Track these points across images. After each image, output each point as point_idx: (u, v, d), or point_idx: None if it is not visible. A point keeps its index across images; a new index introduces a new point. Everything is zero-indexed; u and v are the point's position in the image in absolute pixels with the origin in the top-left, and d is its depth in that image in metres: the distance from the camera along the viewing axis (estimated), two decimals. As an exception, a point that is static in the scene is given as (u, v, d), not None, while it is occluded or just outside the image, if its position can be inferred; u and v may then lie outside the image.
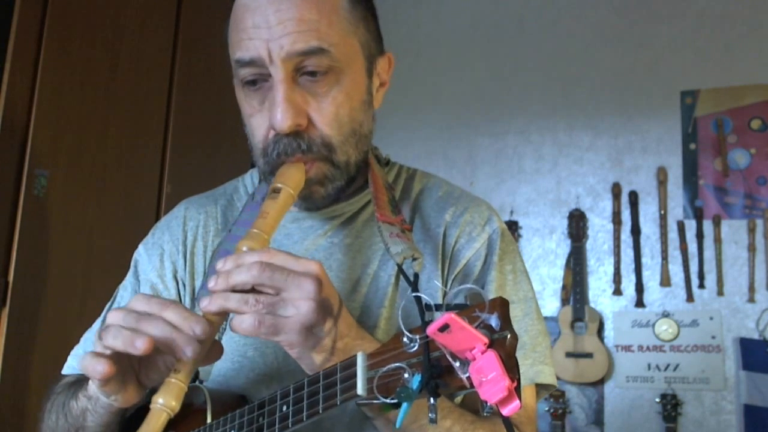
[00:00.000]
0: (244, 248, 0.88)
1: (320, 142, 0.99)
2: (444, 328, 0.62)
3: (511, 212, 3.47)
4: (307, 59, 0.96)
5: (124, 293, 1.21)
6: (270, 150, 0.99)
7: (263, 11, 0.96)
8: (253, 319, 0.80)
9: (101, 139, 2.34)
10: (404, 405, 0.67)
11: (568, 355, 3.23)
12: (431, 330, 0.62)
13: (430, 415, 0.66)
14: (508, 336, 0.65)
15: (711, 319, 3.14)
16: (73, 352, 1.20)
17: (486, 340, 0.63)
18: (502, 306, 0.67)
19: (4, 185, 1.98)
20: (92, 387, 0.89)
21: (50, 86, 2.12)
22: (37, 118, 2.07)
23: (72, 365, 1.19)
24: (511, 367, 0.63)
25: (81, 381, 1.01)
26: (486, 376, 0.61)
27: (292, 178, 0.97)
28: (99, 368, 0.80)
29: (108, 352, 0.82)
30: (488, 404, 0.62)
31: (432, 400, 0.66)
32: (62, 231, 2.15)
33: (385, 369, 0.70)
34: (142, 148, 2.54)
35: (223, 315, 0.85)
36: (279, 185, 0.96)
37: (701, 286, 3.18)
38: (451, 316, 0.61)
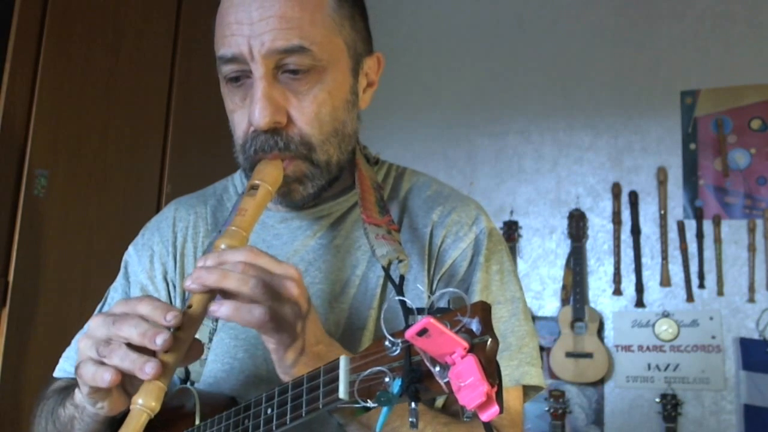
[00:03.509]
0: (223, 246, 0.87)
1: (299, 140, 0.99)
2: (423, 332, 0.62)
3: (511, 212, 3.47)
4: (288, 57, 0.95)
5: (114, 294, 1.20)
6: (248, 146, 0.99)
7: (246, 7, 0.95)
8: (264, 310, 0.80)
9: (101, 139, 2.34)
10: (384, 409, 0.67)
11: (568, 355, 3.23)
12: (410, 334, 0.62)
13: (410, 419, 0.66)
14: (489, 341, 0.64)
15: (711, 319, 3.14)
16: (64, 355, 1.20)
17: (466, 345, 0.63)
18: (483, 310, 0.66)
19: (4, 185, 1.99)
20: (78, 395, 0.89)
21: (50, 86, 2.12)
22: (37, 118, 2.07)
23: (63, 368, 1.19)
24: (491, 372, 0.62)
25: (69, 387, 1.01)
26: (464, 380, 0.61)
27: (269, 175, 0.97)
28: (106, 377, 0.79)
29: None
30: (467, 409, 0.62)
31: (413, 404, 0.66)
32: (62, 231, 2.16)
33: (366, 373, 0.70)
34: (142, 148, 2.54)
35: (204, 309, 0.84)
36: (257, 182, 0.95)
37: (701, 286, 3.18)
38: (429, 320, 0.61)
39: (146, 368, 0.78)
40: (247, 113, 0.98)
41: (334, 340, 0.90)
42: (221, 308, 0.80)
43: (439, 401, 1.02)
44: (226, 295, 0.82)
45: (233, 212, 1.04)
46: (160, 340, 0.78)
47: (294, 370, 0.84)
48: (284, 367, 0.85)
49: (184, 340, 0.82)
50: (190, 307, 0.84)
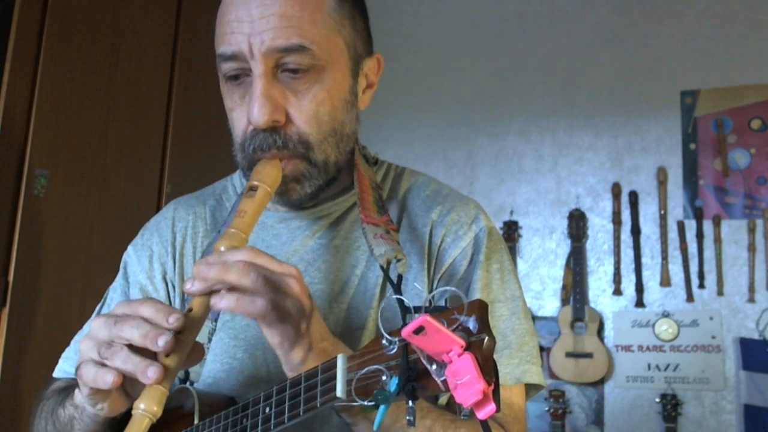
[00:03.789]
0: (222, 248, 0.87)
1: (297, 139, 0.99)
2: (419, 330, 0.62)
3: (511, 212, 3.47)
4: (288, 56, 0.95)
5: (113, 295, 1.20)
6: (247, 145, 0.99)
7: (247, 5, 0.95)
8: (266, 301, 0.80)
9: (101, 139, 2.35)
10: (382, 407, 0.67)
11: (568, 355, 3.23)
12: (406, 332, 0.62)
13: (407, 417, 0.66)
14: (486, 339, 0.64)
15: (711, 319, 3.14)
16: (64, 355, 1.20)
17: (462, 343, 0.63)
18: (480, 309, 0.66)
19: (4, 185, 1.99)
20: (78, 396, 0.89)
21: (50, 86, 2.12)
22: (37, 118, 2.07)
23: (63, 368, 1.19)
24: (488, 371, 0.62)
25: (69, 388, 1.01)
26: (461, 378, 0.61)
27: (269, 175, 0.96)
28: (108, 379, 0.79)
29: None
30: (464, 407, 0.62)
31: (410, 402, 0.66)
32: (62, 231, 2.16)
33: (363, 371, 0.70)
34: (142, 148, 2.55)
35: (206, 312, 0.84)
36: (256, 183, 0.95)
37: (701, 286, 3.18)
38: (426, 319, 0.61)
39: (148, 372, 0.77)
40: (246, 111, 0.98)
41: (338, 339, 0.90)
42: (222, 301, 0.80)
43: (443, 399, 1.02)
44: (229, 291, 0.82)
45: (232, 213, 1.04)
46: (161, 342, 0.78)
47: (303, 367, 0.84)
48: (292, 364, 0.85)
49: (186, 343, 0.82)
50: (190, 310, 0.84)
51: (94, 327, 0.83)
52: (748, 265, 3.14)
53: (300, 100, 0.98)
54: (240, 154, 1.02)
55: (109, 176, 2.36)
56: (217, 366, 1.07)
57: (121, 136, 2.42)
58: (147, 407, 0.79)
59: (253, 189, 0.95)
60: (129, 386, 0.86)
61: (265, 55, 0.95)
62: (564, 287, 3.34)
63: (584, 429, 3.23)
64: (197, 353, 0.86)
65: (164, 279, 1.16)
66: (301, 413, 0.76)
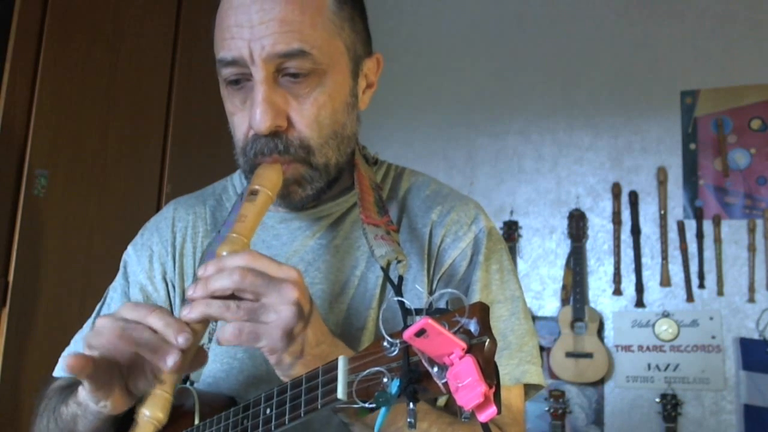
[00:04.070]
0: (224, 253, 0.87)
1: (298, 143, 0.99)
2: (421, 332, 0.62)
3: (511, 212, 3.47)
4: (289, 61, 0.95)
5: (114, 294, 1.20)
6: (248, 149, 0.99)
7: (246, 9, 0.95)
8: (234, 328, 0.80)
9: (101, 139, 2.35)
10: (383, 409, 0.67)
11: (568, 355, 3.23)
12: (408, 335, 0.62)
13: (408, 420, 0.66)
14: (487, 341, 0.64)
15: (711, 319, 3.14)
16: (64, 354, 1.20)
17: (464, 345, 0.63)
18: (481, 311, 0.66)
19: (4, 185, 1.99)
20: (82, 393, 0.89)
21: (50, 86, 2.12)
22: (37, 118, 2.07)
23: (63, 367, 1.18)
24: (489, 373, 0.62)
25: (72, 386, 1.01)
26: (462, 381, 0.61)
27: (269, 180, 0.96)
28: (80, 362, 0.80)
29: (95, 353, 0.83)
30: (465, 410, 0.62)
31: (411, 405, 0.66)
32: (62, 231, 2.16)
33: (365, 373, 0.70)
34: (142, 148, 2.54)
35: (206, 322, 0.84)
36: (257, 187, 0.95)
37: (701, 286, 3.18)
38: (427, 321, 0.61)
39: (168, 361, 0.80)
40: (248, 116, 0.98)
41: (338, 340, 0.90)
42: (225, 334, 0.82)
43: (441, 400, 1.02)
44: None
45: (232, 213, 1.04)
46: (171, 361, 0.80)
47: (293, 372, 0.84)
48: (282, 368, 0.85)
49: (189, 349, 0.83)
50: None
51: (99, 326, 0.83)
52: (748, 265, 3.14)
53: (301, 105, 0.98)
54: (241, 158, 1.02)
55: (109, 176, 2.36)
56: (217, 366, 1.07)
57: (121, 136, 2.42)
58: (152, 414, 0.80)
59: (254, 193, 0.95)
60: (132, 385, 0.86)
61: (266, 61, 0.94)
62: (564, 287, 3.34)
63: (584, 429, 3.23)
64: (201, 358, 0.86)
65: (164, 279, 1.16)
66: (302, 414, 0.76)
